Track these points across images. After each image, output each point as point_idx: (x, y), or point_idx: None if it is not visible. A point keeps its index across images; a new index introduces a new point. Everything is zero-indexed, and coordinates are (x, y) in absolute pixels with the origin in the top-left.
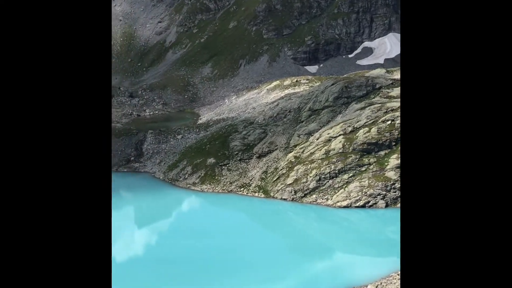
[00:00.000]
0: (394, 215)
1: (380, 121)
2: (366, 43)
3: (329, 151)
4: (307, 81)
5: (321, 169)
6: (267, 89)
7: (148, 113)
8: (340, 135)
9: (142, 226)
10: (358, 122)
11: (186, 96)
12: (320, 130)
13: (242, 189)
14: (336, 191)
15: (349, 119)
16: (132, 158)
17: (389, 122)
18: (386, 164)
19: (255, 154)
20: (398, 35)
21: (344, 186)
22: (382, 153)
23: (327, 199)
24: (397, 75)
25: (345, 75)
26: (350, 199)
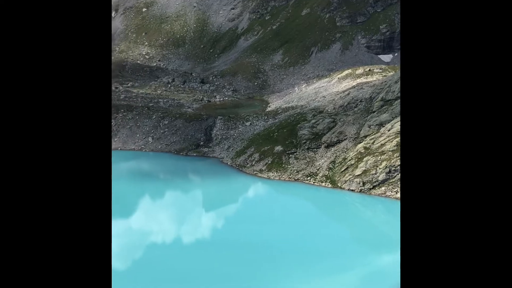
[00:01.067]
0: None
1: None
2: None
3: None
4: (381, 70)
5: (392, 161)
6: (338, 78)
7: (218, 99)
8: None
9: (209, 210)
10: None
11: (256, 83)
12: (392, 121)
13: (309, 178)
14: None
15: None
16: (201, 143)
17: None
18: None
19: (323, 144)
20: None
21: None
22: None
23: (397, 192)
24: None
25: None
26: None
